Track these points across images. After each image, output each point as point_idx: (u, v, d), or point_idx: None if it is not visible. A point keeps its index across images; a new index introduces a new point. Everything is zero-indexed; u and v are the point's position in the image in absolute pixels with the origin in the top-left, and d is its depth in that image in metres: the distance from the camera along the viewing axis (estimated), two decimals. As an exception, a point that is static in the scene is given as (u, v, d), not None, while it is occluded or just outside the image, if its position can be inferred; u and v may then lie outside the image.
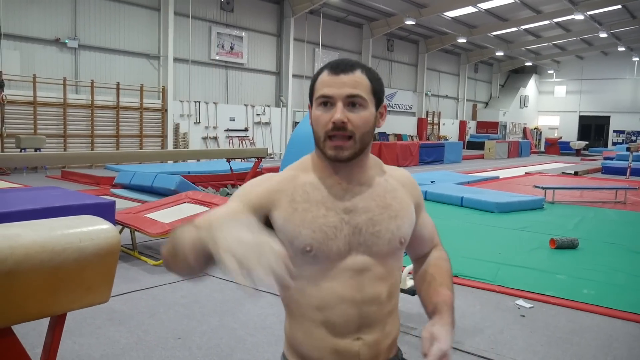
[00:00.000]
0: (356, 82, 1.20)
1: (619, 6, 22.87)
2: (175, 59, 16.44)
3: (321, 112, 1.22)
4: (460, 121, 31.79)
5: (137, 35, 15.71)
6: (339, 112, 1.18)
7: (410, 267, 3.93)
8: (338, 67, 1.22)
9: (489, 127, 33.12)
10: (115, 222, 5.07)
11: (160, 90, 16.23)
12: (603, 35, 26.48)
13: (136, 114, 15.66)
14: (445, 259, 1.43)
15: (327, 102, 1.21)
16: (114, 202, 4.99)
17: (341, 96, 1.19)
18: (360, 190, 1.27)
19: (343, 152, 1.20)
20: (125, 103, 15.30)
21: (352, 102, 1.20)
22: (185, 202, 6.07)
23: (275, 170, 11.38)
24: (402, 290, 3.71)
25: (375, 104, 1.25)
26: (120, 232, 5.52)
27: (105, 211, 4.56)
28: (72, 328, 3.37)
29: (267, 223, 1.25)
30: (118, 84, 15.03)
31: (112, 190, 9.63)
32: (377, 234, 1.24)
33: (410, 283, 3.72)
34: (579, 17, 22.62)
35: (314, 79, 1.26)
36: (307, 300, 1.25)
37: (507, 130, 34.11)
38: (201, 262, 1.10)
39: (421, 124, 28.52)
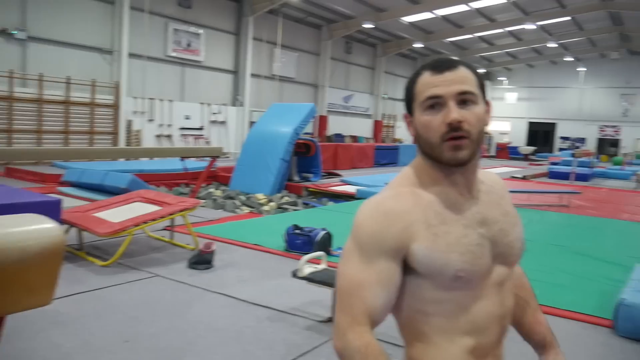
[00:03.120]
0: (464, 78, 1.11)
1: (568, 18, 23.83)
2: (130, 55, 16.06)
3: (430, 116, 1.11)
4: (415, 124, 32.31)
5: (90, 28, 15.26)
6: (453, 112, 1.09)
7: (309, 255, 3.97)
8: (441, 65, 1.13)
9: (443, 131, 33.77)
10: (61, 221, 4.91)
11: (113, 86, 15.82)
12: (552, 45, 27.53)
13: (87, 110, 15.20)
14: (524, 275, 1.38)
15: (436, 103, 1.10)
16: (60, 200, 4.84)
17: (452, 94, 1.10)
18: (480, 199, 1.18)
19: (462, 151, 1.10)
20: (75, 98, 14.82)
21: (463, 99, 1.10)
22: (136, 201, 5.93)
23: (230, 170, 11.29)
24: (300, 278, 3.74)
25: (484, 100, 1.16)
26: (67, 231, 5.34)
27: (51, 210, 4.41)
28: (12, 332, 3.24)
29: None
30: (68, 79, 14.55)
31: (59, 188, 9.31)
32: (511, 243, 1.19)
33: (307, 270, 3.74)
34: (530, 26, 23.45)
35: (410, 84, 1.16)
36: (455, 327, 1.14)
37: (460, 135, 34.89)
38: None
39: (377, 126, 28.86)
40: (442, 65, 1.12)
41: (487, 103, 1.17)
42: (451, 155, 1.10)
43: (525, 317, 1.34)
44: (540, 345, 1.32)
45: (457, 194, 1.15)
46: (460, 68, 1.12)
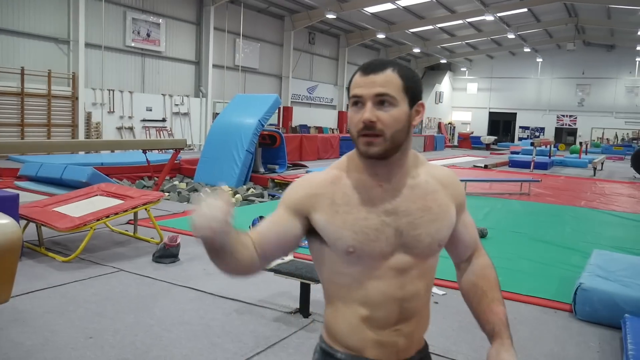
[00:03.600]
0: (386, 81, 1.21)
1: (525, 9, 24.34)
2: (87, 45, 15.59)
3: (353, 112, 1.24)
4: (379, 115, 32.54)
5: (45, 17, 14.73)
6: (367, 112, 1.20)
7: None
8: (369, 68, 1.24)
9: (407, 122, 34.11)
10: (18, 217, 4.75)
11: (71, 77, 15.35)
12: (511, 36, 28.08)
13: (44, 102, 14.71)
14: (490, 267, 1.45)
15: (359, 102, 1.23)
16: (17, 195, 4.67)
17: (370, 95, 1.21)
18: (400, 191, 1.28)
19: (373, 147, 1.22)
20: (31, 90, 14.32)
21: (381, 100, 1.21)
22: (97, 195, 5.79)
23: (194, 162, 11.14)
24: (267, 270, 3.73)
25: (409, 102, 1.25)
26: (25, 227, 5.18)
27: (7, 205, 4.26)
28: (-31, 331, 3.12)
29: (311, 227, 1.30)
30: (22, 69, 14.03)
31: (15, 182, 9.00)
32: (418, 237, 1.28)
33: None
34: (490, 18, 23.85)
35: (349, 82, 1.29)
36: (351, 297, 1.29)
37: (423, 125, 35.36)
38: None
39: (342, 117, 28.93)
40: (369, 68, 1.24)
41: (419, 104, 1.28)
42: (364, 150, 1.23)
43: (480, 306, 1.40)
44: (490, 334, 1.36)
45: (374, 184, 1.28)
46: (386, 71, 1.22)
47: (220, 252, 1.18)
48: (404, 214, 1.27)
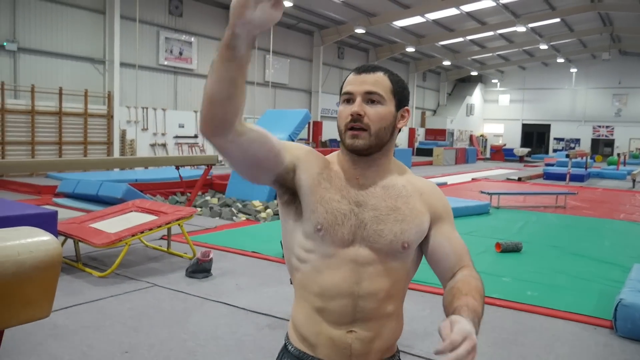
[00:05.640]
0: (376, 81, 1.31)
1: (558, 19, 23.97)
2: (122, 64, 16.03)
3: (343, 108, 1.33)
4: (410, 128, 32.42)
5: (81, 39, 15.22)
6: (356, 105, 1.29)
7: None
8: (361, 69, 1.34)
9: (437, 135, 33.91)
10: (57, 233, 4.88)
11: (106, 95, 15.78)
12: (543, 47, 27.66)
13: (80, 120, 15.15)
14: (475, 277, 1.32)
15: (350, 98, 1.31)
16: (56, 212, 4.80)
17: (360, 92, 1.30)
18: (374, 189, 1.34)
19: (358, 140, 1.29)
20: (68, 109, 14.77)
21: (370, 98, 1.30)
22: (132, 211, 5.90)
23: (225, 177, 11.27)
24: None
25: (396, 105, 1.33)
26: (63, 243, 5.31)
27: (47, 222, 4.38)
28: (11, 346, 3.20)
29: (285, 185, 1.34)
30: (61, 89, 14.50)
31: (54, 199, 9.26)
32: (380, 232, 1.30)
33: None
34: (521, 29, 23.56)
35: (343, 82, 1.37)
36: (310, 286, 1.32)
37: (455, 138, 35.02)
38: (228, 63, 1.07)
39: (371, 131, 28.85)
40: (362, 69, 1.34)
41: (405, 110, 1.36)
42: (350, 142, 1.30)
43: (451, 299, 1.23)
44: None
45: (352, 176, 1.35)
46: (377, 73, 1.32)
47: (237, 63, 1.07)
48: (371, 207, 1.31)
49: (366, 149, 1.30)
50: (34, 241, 2.00)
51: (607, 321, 4.00)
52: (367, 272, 1.30)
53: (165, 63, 17.76)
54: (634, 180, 16.06)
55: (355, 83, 1.31)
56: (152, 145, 17.35)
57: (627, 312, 3.74)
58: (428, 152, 27.80)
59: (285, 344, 1.42)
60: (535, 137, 37.22)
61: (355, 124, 1.29)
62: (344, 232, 1.29)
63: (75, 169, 11.02)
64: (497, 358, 3.39)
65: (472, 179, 16.98)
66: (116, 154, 15.89)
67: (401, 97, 1.34)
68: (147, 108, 17.11)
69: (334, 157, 1.41)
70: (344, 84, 1.35)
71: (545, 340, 3.71)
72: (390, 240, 1.29)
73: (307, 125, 21.14)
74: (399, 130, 1.35)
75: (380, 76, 1.32)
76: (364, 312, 1.30)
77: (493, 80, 37.82)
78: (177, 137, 18.14)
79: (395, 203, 1.32)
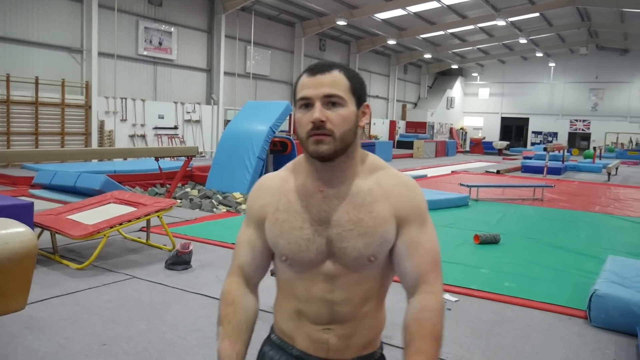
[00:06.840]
0: (334, 82, 1.23)
1: (537, 14, 24.23)
2: (100, 54, 15.77)
3: (302, 114, 1.24)
4: (390, 121, 32.54)
5: (58, 27, 14.92)
6: (317, 112, 1.21)
7: None
8: (315, 69, 1.25)
9: (418, 127, 34.10)
10: (33, 225, 4.80)
11: (84, 85, 15.52)
12: (523, 41, 27.96)
13: (57, 111, 14.88)
14: (430, 311, 1.24)
15: (307, 103, 1.23)
16: (32, 203, 4.73)
17: (319, 96, 1.22)
18: (337, 200, 1.28)
19: (323, 145, 1.22)
20: (45, 99, 14.50)
21: (330, 101, 1.22)
22: (110, 203, 5.83)
23: (206, 169, 11.20)
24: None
25: (356, 103, 1.26)
26: (40, 235, 5.23)
27: (23, 213, 4.31)
28: (-15, 338, 3.16)
29: None
30: (37, 79, 14.22)
31: (30, 191, 9.11)
32: (344, 250, 1.26)
33: None
34: (501, 23, 23.79)
35: (295, 84, 1.29)
36: (288, 290, 1.36)
37: (435, 130, 35.26)
38: None
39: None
40: (315, 69, 1.25)
41: (365, 106, 1.29)
42: (314, 149, 1.23)
43: (409, 347, 1.23)
44: None
45: (316, 189, 1.29)
46: (333, 72, 1.24)
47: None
48: (334, 224, 1.27)
49: (331, 154, 1.22)
50: (8, 233, 1.96)
51: (581, 311, 4.08)
52: (339, 283, 1.29)
53: (145, 53, 17.52)
54: (609, 174, 16.37)
55: (312, 86, 1.22)
56: (131, 137, 17.14)
57: (601, 303, 3.83)
58: (408, 145, 27.94)
59: (270, 333, 1.47)
60: (514, 130, 37.69)
61: (318, 131, 1.21)
62: (311, 256, 1.28)
63: (52, 160, 10.83)
64: (475, 348, 3.44)
65: (452, 172, 17.13)
66: (94, 144, 15.66)
67: (360, 94, 1.27)
68: (126, 99, 16.88)
69: (294, 167, 1.36)
70: (298, 87, 1.26)
71: (521, 330, 3.77)
72: (355, 256, 1.25)
73: (288, 117, 21.07)
74: (364, 129, 1.31)
75: (336, 75, 1.23)
76: (340, 315, 1.31)
77: (473, 74, 38.14)
78: (156, 128, 17.95)
79: (358, 214, 1.25)
